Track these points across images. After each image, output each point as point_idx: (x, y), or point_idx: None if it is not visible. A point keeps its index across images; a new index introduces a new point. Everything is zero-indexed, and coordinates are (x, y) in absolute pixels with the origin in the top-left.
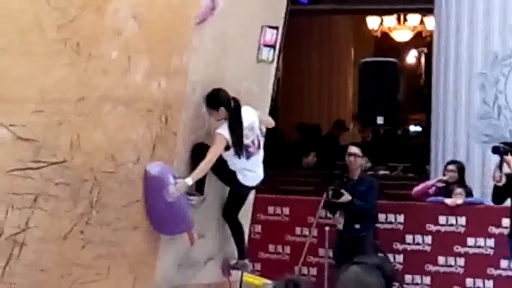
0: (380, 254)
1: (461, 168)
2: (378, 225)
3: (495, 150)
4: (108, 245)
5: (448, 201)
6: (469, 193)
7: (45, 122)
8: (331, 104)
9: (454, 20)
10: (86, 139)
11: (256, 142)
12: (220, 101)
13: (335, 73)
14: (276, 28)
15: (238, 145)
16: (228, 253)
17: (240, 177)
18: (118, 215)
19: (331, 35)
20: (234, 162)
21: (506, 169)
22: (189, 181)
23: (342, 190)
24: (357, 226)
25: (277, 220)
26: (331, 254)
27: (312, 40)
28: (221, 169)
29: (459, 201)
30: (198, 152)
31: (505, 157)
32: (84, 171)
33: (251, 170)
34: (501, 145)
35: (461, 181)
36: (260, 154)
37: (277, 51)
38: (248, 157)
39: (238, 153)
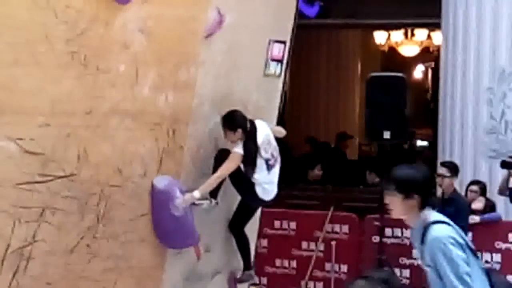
0: (386, 269)
1: (483, 189)
2: (384, 239)
3: (504, 164)
4: (115, 259)
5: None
6: (492, 207)
7: (53, 135)
8: (337, 118)
9: (462, 35)
10: (94, 152)
11: (275, 154)
12: (238, 123)
13: (342, 87)
14: (284, 42)
15: (251, 165)
16: (235, 267)
17: (258, 190)
18: (125, 229)
19: (339, 49)
20: (254, 176)
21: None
22: (197, 194)
23: None
24: None
25: (284, 234)
26: (337, 268)
27: (320, 54)
28: (240, 179)
29: (476, 218)
30: (221, 157)
31: None
32: (91, 185)
33: (270, 183)
34: (510, 159)
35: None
36: (278, 166)
37: (284, 65)
38: (269, 170)
39: (252, 170)
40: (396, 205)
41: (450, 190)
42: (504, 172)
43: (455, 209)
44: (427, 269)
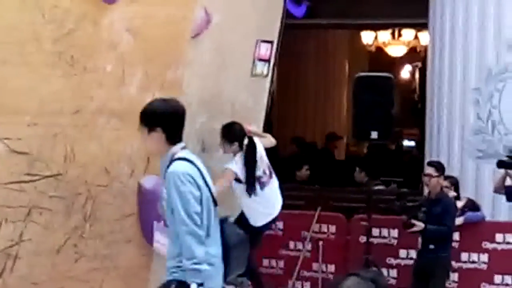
0: (373, 269)
1: (455, 184)
2: (372, 239)
3: (501, 164)
4: (101, 259)
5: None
6: (476, 209)
7: (40, 135)
8: (325, 118)
9: (448, 35)
10: (81, 152)
11: (267, 171)
12: (236, 136)
13: (330, 87)
14: (271, 42)
15: (251, 183)
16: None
17: (250, 219)
18: (111, 229)
19: (326, 49)
20: (244, 200)
21: (508, 181)
22: None
23: (412, 220)
24: (432, 246)
25: (271, 234)
26: (324, 268)
27: (307, 54)
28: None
29: (460, 220)
30: None
31: (510, 171)
32: (78, 184)
33: (265, 204)
34: (506, 159)
35: (456, 196)
36: (274, 182)
37: (271, 65)
38: (262, 188)
39: (249, 192)
40: (143, 139)
41: (437, 190)
42: (494, 172)
43: (442, 208)
44: (164, 203)
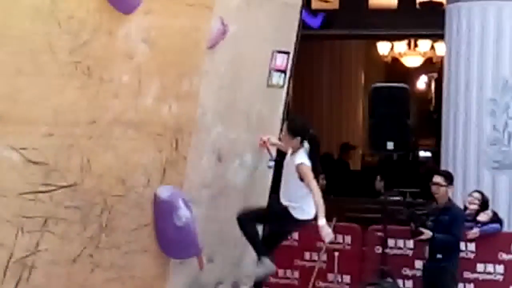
0: (389, 279)
1: (484, 201)
2: (387, 250)
3: None
4: (117, 269)
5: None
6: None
7: (56, 145)
8: (340, 128)
9: (465, 46)
10: (97, 162)
11: None
12: (299, 130)
13: (345, 98)
14: (287, 53)
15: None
16: (237, 277)
17: (303, 210)
18: (127, 239)
19: (342, 60)
20: (303, 192)
21: None
22: (322, 221)
23: (421, 228)
24: (439, 256)
25: (286, 245)
26: (340, 279)
27: (323, 65)
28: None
29: (476, 232)
30: None
31: None
32: (94, 195)
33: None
34: None
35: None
36: None
37: (287, 76)
38: None
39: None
40: None
41: (445, 199)
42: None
43: (450, 217)
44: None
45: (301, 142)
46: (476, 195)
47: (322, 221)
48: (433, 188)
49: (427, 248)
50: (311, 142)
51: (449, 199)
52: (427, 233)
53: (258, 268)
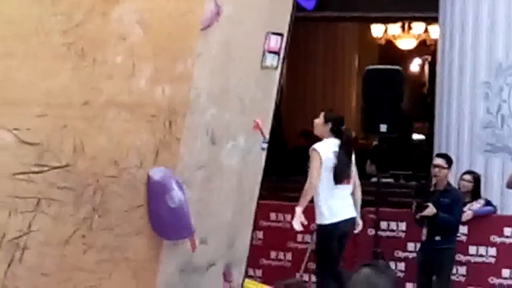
0: (381, 261)
1: (477, 179)
2: (380, 232)
3: None
4: (110, 250)
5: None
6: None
7: (50, 126)
8: (334, 110)
9: (459, 29)
10: (90, 144)
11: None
12: (330, 117)
13: (339, 80)
14: (281, 34)
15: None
16: (230, 258)
17: (325, 211)
18: (121, 220)
19: (336, 42)
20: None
21: None
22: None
23: (427, 203)
24: (438, 238)
25: (279, 227)
26: None
27: (317, 47)
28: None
29: (469, 213)
30: None
31: None
32: (87, 176)
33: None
34: None
35: (476, 192)
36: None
37: (281, 58)
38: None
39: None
40: None
41: (445, 182)
42: (503, 165)
43: (451, 200)
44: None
45: (332, 132)
46: (468, 177)
47: (298, 209)
48: (435, 170)
49: (424, 230)
50: (342, 139)
51: (448, 182)
52: (432, 210)
53: None
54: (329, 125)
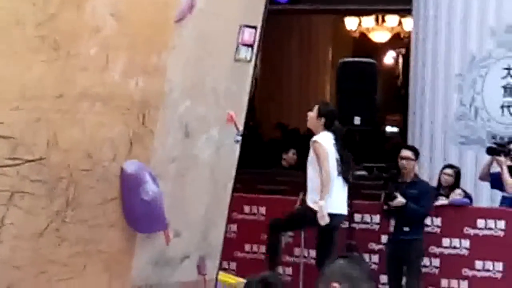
0: (355, 254)
1: (457, 173)
2: (354, 225)
3: (490, 150)
4: (84, 243)
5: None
6: (469, 199)
7: (23, 119)
8: (308, 103)
9: (432, 22)
10: (64, 137)
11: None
12: (323, 111)
13: (313, 73)
14: (255, 27)
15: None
16: (204, 251)
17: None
18: (94, 213)
19: (310, 35)
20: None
21: (494, 168)
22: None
23: (396, 193)
24: (406, 229)
25: (253, 220)
26: (306, 254)
27: (291, 40)
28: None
29: (445, 202)
30: None
31: (498, 158)
32: (60, 169)
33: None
34: (495, 145)
35: (456, 186)
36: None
37: (255, 51)
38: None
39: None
40: None
41: (412, 174)
42: (477, 157)
43: (418, 191)
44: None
45: (325, 126)
46: (449, 171)
47: (321, 203)
48: (403, 162)
49: (392, 221)
50: (336, 134)
51: (415, 174)
52: (402, 200)
53: None
54: (323, 119)
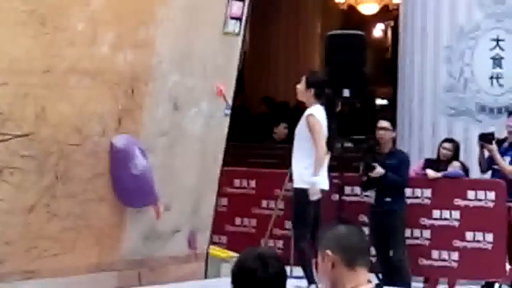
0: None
1: (456, 147)
2: (344, 197)
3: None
4: (74, 218)
5: (430, 172)
6: (466, 171)
7: (11, 94)
8: (297, 76)
9: None
10: (52, 112)
11: None
12: (314, 83)
13: (302, 46)
14: (243, 0)
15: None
16: (194, 225)
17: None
18: (84, 188)
19: (298, 8)
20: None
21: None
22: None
23: (374, 164)
24: (388, 199)
25: (243, 193)
26: None
27: (279, 13)
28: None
29: (432, 174)
30: None
31: (490, 146)
32: (50, 144)
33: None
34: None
35: (455, 159)
36: None
37: (243, 24)
38: None
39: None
40: None
41: (390, 144)
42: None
43: (397, 161)
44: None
45: (316, 96)
46: (447, 145)
47: (315, 178)
48: (381, 132)
49: (372, 193)
50: (327, 102)
51: (393, 144)
52: (380, 170)
53: None
54: (312, 90)
